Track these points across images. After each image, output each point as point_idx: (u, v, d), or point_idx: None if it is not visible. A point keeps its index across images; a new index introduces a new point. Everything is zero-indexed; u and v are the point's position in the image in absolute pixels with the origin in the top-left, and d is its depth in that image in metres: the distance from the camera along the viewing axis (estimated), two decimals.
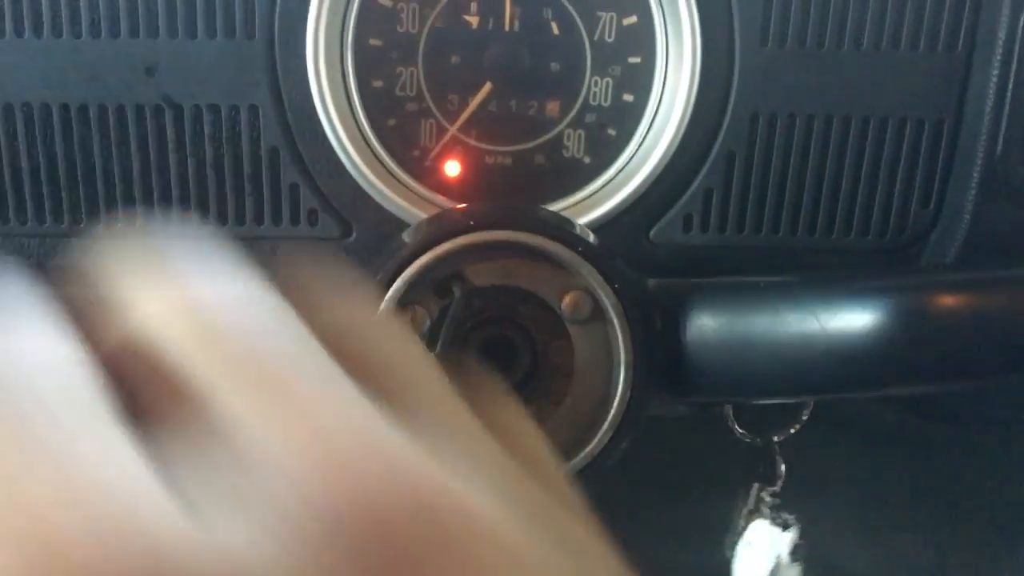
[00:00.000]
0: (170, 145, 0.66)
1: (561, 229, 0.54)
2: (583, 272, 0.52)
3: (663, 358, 0.53)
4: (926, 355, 0.47)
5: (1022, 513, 1.27)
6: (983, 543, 1.27)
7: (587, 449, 0.53)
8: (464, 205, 0.67)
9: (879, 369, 0.47)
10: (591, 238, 0.55)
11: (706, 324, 0.53)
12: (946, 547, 1.29)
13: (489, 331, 0.54)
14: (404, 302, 0.52)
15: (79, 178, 0.67)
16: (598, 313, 0.53)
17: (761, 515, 0.63)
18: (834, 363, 0.48)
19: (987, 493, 1.29)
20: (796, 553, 0.62)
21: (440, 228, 0.53)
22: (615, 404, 0.52)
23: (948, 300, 0.46)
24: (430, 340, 0.53)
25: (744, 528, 0.65)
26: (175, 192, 0.67)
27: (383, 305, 0.51)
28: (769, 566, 0.62)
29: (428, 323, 0.53)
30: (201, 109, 0.66)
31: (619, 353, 0.52)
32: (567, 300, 0.53)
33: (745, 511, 0.64)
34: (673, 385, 0.55)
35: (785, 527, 0.62)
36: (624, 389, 0.52)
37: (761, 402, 0.62)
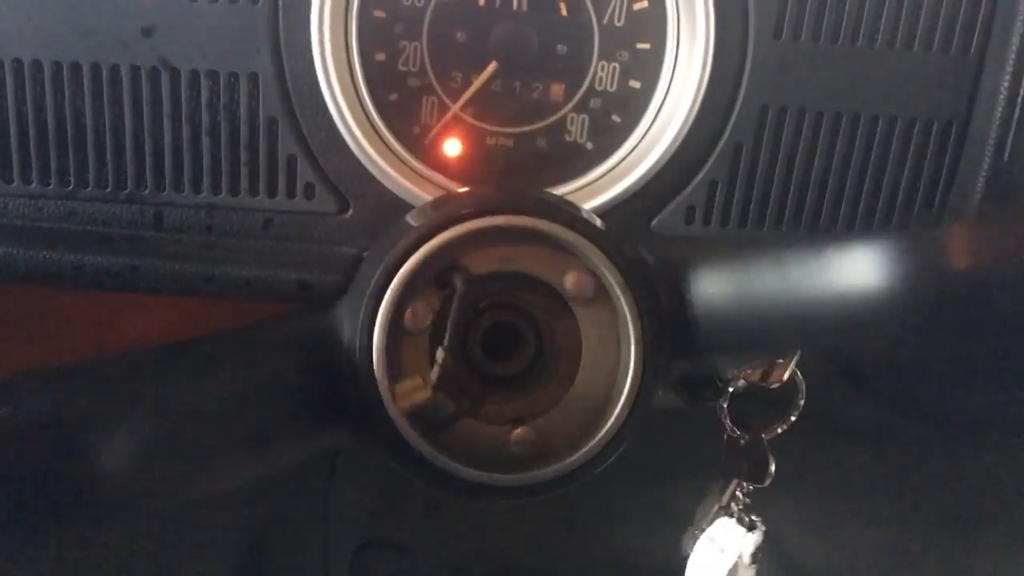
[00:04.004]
0: (165, 109, 0.64)
1: (558, 210, 0.52)
2: (585, 251, 0.51)
3: (672, 328, 0.52)
4: (939, 312, 0.45)
5: (982, 510, 1.29)
6: (943, 541, 1.29)
7: (607, 427, 0.52)
8: (457, 191, 0.66)
9: (888, 322, 0.46)
10: (588, 216, 0.54)
11: (714, 290, 0.51)
12: (907, 544, 1.30)
13: (492, 319, 0.53)
14: (403, 300, 0.51)
15: (69, 139, 0.64)
16: (602, 291, 0.52)
17: (729, 513, 0.63)
18: (851, 313, 0.46)
19: (949, 491, 1.30)
20: (756, 555, 0.61)
21: (434, 218, 0.52)
22: (628, 380, 0.51)
23: (961, 255, 0.45)
24: (434, 335, 0.52)
25: (709, 524, 0.64)
26: (168, 158, 0.65)
27: (385, 303, 0.50)
28: (728, 565, 0.61)
29: (431, 317, 0.52)
30: (199, 74, 0.64)
31: (627, 329, 0.51)
32: (569, 282, 0.52)
33: (716, 507, 0.64)
34: (684, 353, 0.53)
35: (751, 528, 0.62)
36: (636, 364, 0.51)
37: (768, 356, 0.60)
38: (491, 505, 0.54)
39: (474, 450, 0.52)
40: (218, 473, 0.51)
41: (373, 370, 0.50)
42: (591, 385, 0.53)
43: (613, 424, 0.52)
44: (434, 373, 0.51)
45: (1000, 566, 1.26)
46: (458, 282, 0.51)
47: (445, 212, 0.52)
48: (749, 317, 0.52)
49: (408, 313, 0.51)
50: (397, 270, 0.50)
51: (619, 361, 0.52)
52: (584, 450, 0.52)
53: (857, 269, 0.46)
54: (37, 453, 0.45)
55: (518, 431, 0.53)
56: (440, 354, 0.51)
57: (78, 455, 0.45)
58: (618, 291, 0.51)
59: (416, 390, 0.51)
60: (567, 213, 0.53)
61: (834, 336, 0.51)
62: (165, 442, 0.48)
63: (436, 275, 0.53)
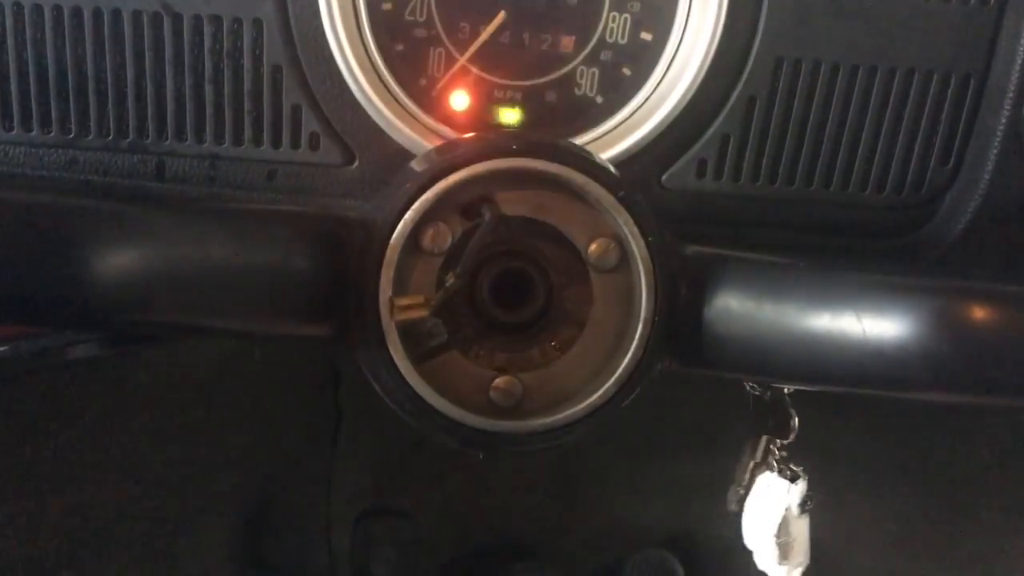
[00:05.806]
0: (167, 56, 0.63)
1: (605, 171, 0.52)
2: (619, 220, 0.50)
3: (682, 323, 0.52)
4: (967, 368, 0.45)
5: (984, 485, 1.28)
6: (944, 514, 1.29)
7: (588, 400, 0.52)
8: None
9: (916, 375, 0.46)
10: (632, 187, 0.53)
11: (735, 300, 0.51)
12: (907, 516, 1.30)
13: (507, 264, 0.52)
14: (429, 216, 0.50)
15: (70, 85, 0.63)
16: (624, 264, 0.51)
17: (768, 467, 0.63)
18: (866, 363, 0.46)
19: (952, 466, 1.30)
20: (804, 505, 0.61)
21: (479, 148, 0.51)
22: (626, 359, 0.51)
23: (995, 313, 0.45)
24: (447, 263, 0.51)
25: (751, 482, 0.64)
26: (170, 106, 0.64)
27: (411, 213, 0.49)
28: (778, 519, 0.61)
29: (450, 242, 0.51)
30: (202, 20, 0.63)
31: (639, 307, 0.51)
32: (595, 246, 0.52)
33: (751, 464, 0.64)
34: (686, 353, 0.53)
35: (794, 479, 0.62)
36: (638, 345, 0.51)
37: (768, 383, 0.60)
38: (449, 445, 0.53)
39: (453, 385, 0.52)
40: (201, 315, 0.51)
41: (380, 276, 0.50)
42: (587, 357, 0.53)
43: (598, 399, 0.51)
44: (438, 296, 0.51)
45: (999, 540, 1.26)
46: (486, 213, 0.51)
47: (492, 143, 0.51)
48: (762, 347, 0.52)
49: (429, 232, 0.51)
50: (431, 185, 0.49)
51: (622, 340, 0.52)
52: (560, 416, 0.52)
53: (884, 325, 0.47)
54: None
55: (501, 379, 0.53)
56: (450, 278, 0.51)
57: (75, 263, 0.47)
58: (640, 265, 0.51)
59: (415, 307, 0.50)
60: (614, 179, 0.52)
61: (846, 383, 0.51)
62: (165, 271, 0.48)
63: (466, 204, 0.52)
